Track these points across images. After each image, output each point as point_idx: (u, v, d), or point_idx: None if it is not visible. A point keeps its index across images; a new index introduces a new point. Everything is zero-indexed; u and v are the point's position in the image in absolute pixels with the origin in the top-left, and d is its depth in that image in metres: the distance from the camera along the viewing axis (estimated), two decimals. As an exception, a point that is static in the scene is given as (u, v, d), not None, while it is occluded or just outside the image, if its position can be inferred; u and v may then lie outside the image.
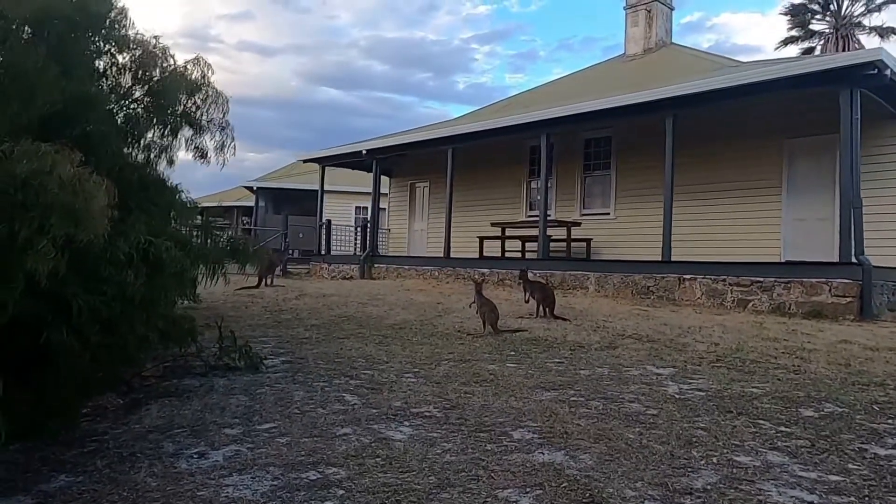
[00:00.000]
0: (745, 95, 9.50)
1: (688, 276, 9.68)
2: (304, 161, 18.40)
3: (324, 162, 17.54)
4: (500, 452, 3.21)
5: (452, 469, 2.99)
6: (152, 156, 5.03)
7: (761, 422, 3.78)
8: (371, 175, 16.39)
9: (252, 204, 29.29)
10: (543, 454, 3.20)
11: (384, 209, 18.57)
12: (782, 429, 3.67)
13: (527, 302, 8.26)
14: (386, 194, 18.65)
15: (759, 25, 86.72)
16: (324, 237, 17.19)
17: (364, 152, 15.78)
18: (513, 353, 5.87)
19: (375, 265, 15.40)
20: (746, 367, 5.19)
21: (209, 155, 4.98)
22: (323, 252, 17.08)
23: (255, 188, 27.45)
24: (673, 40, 16.86)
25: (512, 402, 4.12)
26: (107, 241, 3.68)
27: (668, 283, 9.89)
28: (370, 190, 16.40)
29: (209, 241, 4.64)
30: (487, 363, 5.37)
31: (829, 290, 8.28)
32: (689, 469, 3.04)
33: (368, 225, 16.36)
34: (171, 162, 5.19)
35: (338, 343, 6.37)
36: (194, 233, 5.01)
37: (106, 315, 3.65)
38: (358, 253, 16.99)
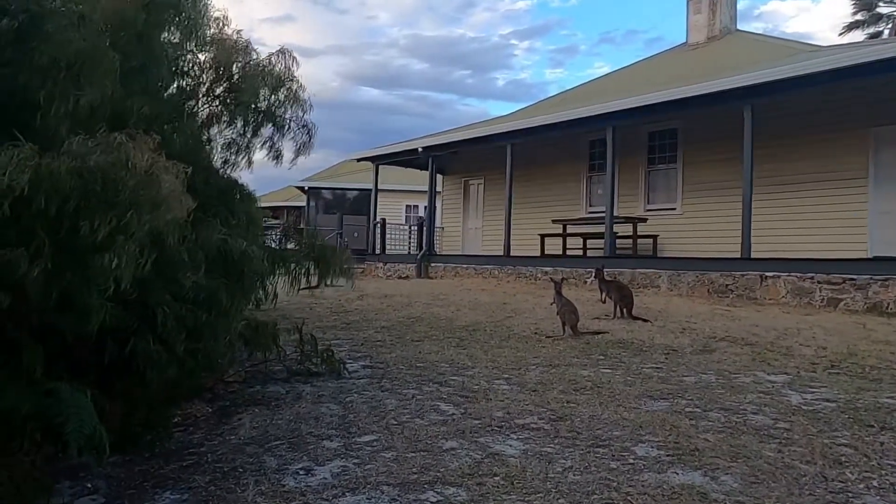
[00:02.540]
0: (833, 81, 8.92)
1: (770, 274, 9.14)
2: (359, 160, 18.32)
3: (378, 160, 17.43)
4: (627, 471, 2.92)
5: (581, 490, 2.71)
6: (231, 158, 4.88)
7: (911, 438, 3.38)
8: (423, 172, 16.22)
9: (299, 203, 29.55)
10: (678, 474, 2.89)
11: (436, 207, 18.34)
12: (938, 446, 3.27)
13: (603, 302, 7.90)
14: (439, 192, 18.43)
15: (809, 12, 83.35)
16: (378, 236, 17.07)
17: (420, 150, 15.59)
18: (602, 357, 5.55)
19: (432, 264, 15.20)
20: (868, 374, 4.75)
21: (285, 156, 4.80)
22: (378, 251, 16.96)
23: (306, 188, 27.61)
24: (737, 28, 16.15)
25: (622, 412, 3.81)
26: (189, 244, 3.54)
27: (749, 281, 9.37)
28: (420, 188, 16.22)
29: (294, 246, 4.46)
30: (579, 368, 5.07)
31: (934, 288, 7.68)
32: (850, 494, 2.70)
33: (424, 223, 16.16)
34: (249, 163, 5.02)
35: (414, 346, 6.15)
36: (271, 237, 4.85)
37: (192, 322, 3.51)
38: (412, 252, 16.83)
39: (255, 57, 4.33)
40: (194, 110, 4.48)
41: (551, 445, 3.27)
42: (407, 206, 25.66)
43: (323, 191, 27.73)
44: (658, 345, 6.03)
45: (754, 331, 6.61)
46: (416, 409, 3.93)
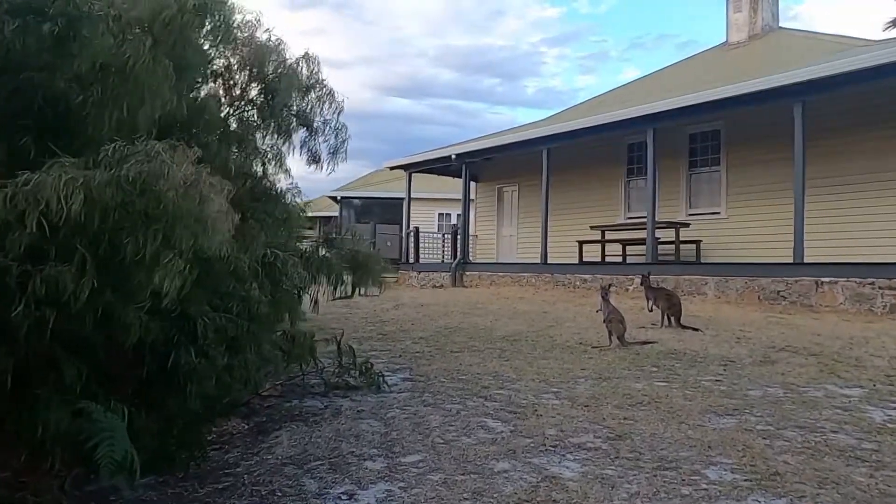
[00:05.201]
0: (892, 75, 8.43)
1: (826, 279, 8.67)
2: (391, 168, 18.21)
3: (410, 168, 17.29)
4: (702, 499, 2.64)
5: (653, 521, 2.44)
6: (266, 164, 4.73)
7: None
8: (455, 180, 16.06)
9: (332, 214, 29.62)
10: (760, 502, 2.59)
11: (469, 215, 18.08)
12: None
13: (650, 310, 7.56)
14: (472, 200, 18.19)
15: (846, 12, 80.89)
16: (412, 245, 16.90)
17: (453, 157, 15.38)
18: (654, 368, 5.24)
19: (467, 272, 14.95)
20: (954, 388, 4.36)
21: (322, 160, 4.63)
22: (411, 260, 16.79)
23: (338, 198, 27.69)
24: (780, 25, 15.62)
25: (686, 430, 3.52)
26: (230, 254, 3.37)
27: (803, 287, 8.90)
28: (452, 196, 16.04)
29: (329, 253, 4.27)
30: (631, 381, 4.77)
31: None
32: (963, 528, 2.37)
33: (458, 231, 15.94)
34: (280, 164, 4.83)
35: (454, 358, 5.91)
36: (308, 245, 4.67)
37: (232, 334, 3.34)
38: (446, 260, 16.61)
39: (287, 58, 4.17)
40: (228, 112, 4.33)
41: (612, 468, 3.00)
42: (439, 213, 25.47)
43: (354, 200, 27.77)
44: (713, 355, 5.68)
45: (816, 340, 6.21)
46: (462, 426, 3.69)
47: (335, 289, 4.35)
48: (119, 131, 2.99)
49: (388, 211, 26.21)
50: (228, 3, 4.06)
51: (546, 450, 3.27)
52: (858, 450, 3.16)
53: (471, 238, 17.87)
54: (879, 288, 8.12)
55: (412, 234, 16.90)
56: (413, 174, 17.74)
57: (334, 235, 4.42)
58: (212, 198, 2.29)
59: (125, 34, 3.18)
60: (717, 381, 4.72)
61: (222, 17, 3.94)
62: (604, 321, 6.35)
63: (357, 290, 11.21)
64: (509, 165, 16.20)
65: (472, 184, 18.07)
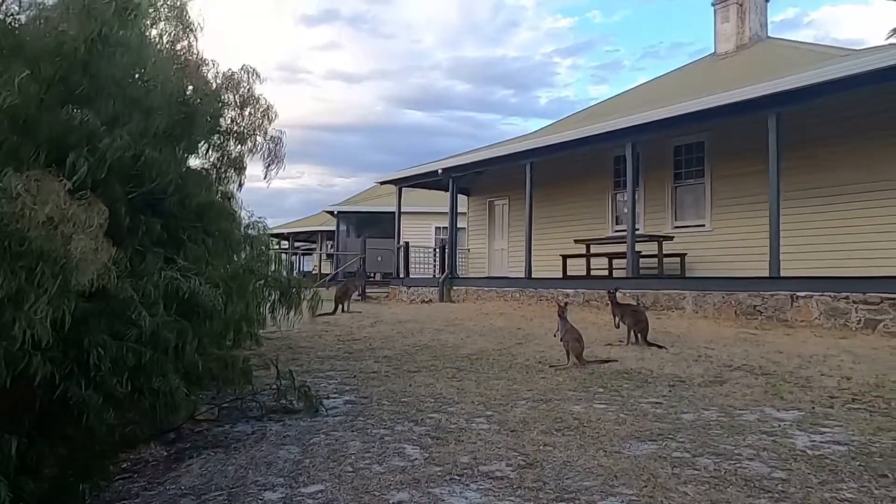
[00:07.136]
0: (865, 85, 8.33)
1: (802, 294, 8.54)
2: (381, 183, 18.26)
3: (400, 183, 17.32)
4: (586, 533, 2.58)
5: (526, 558, 2.38)
6: (216, 180, 4.75)
7: (930, 491, 2.93)
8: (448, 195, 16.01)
9: (332, 228, 29.68)
10: (642, 537, 2.53)
11: (462, 229, 18.09)
12: (962, 502, 2.81)
13: (617, 327, 7.48)
14: (463, 213, 18.18)
15: (864, 17, 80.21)
16: (402, 260, 16.89)
17: (440, 171, 15.41)
18: (601, 389, 5.17)
19: (454, 287, 14.91)
20: (893, 411, 4.25)
21: (248, 173, 4.66)
22: (401, 275, 16.78)
23: (335, 212, 27.78)
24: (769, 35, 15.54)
25: (601, 457, 3.45)
26: (132, 282, 3.38)
27: (779, 301, 8.77)
28: (448, 210, 16.00)
29: (256, 279, 4.25)
30: (572, 403, 4.70)
31: (982, 308, 7.00)
32: (843, 566, 2.30)
33: (446, 246, 15.92)
34: (227, 196, 4.85)
35: (407, 378, 5.87)
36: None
37: (133, 363, 3.31)
38: (437, 275, 16.58)
39: (213, 75, 4.19)
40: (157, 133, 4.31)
41: (511, 498, 2.95)
42: (436, 227, 25.45)
43: (352, 214, 27.83)
44: (666, 375, 5.61)
45: (776, 358, 6.10)
46: (379, 453, 3.65)
47: (257, 314, 4.32)
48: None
49: (388, 224, 26.28)
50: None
51: (452, 479, 3.22)
52: (767, 479, 3.08)
53: (463, 252, 17.87)
54: (854, 302, 7.98)
55: (402, 248, 16.90)
56: (410, 189, 17.80)
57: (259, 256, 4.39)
58: (74, 238, 2.29)
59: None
60: (657, 403, 4.65)
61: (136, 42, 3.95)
62: (561, 339, 6.28)
63: (340, 306, 11.04)
64: (499, 179, 16.20)
65: (464, 198, 18.09)
